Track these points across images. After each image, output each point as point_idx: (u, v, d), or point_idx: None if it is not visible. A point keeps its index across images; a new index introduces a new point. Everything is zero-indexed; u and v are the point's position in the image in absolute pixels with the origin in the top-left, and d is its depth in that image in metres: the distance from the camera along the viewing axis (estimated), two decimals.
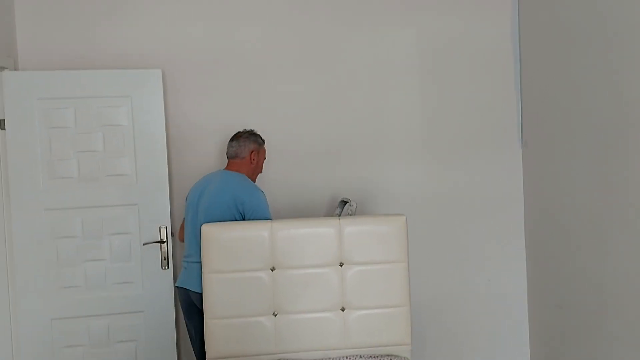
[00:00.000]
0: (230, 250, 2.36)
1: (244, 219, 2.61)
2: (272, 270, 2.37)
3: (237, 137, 2.81)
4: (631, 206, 2.37)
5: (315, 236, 2.41)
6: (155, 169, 2.97)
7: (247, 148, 2.77)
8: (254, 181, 2.80)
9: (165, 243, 2.95)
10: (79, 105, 2.92)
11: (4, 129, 2.86)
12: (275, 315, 2.37)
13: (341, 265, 2.40)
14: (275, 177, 3.13)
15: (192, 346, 2.81)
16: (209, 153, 3.16)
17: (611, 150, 2.49)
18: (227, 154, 2.82)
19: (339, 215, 2.86)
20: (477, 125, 3.34)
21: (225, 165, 2.82)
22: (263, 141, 2.86)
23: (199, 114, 3.17)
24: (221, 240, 2.36)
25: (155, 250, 2.97)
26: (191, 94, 3.16)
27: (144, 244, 2.95)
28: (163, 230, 2.95)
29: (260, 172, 2.88)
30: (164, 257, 2.96)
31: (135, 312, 2.97)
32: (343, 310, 2.39)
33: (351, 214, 2.77)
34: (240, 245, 2.37)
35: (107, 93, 2.94)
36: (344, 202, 2.90)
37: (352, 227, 2.41)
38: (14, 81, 2.87)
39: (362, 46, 3.26)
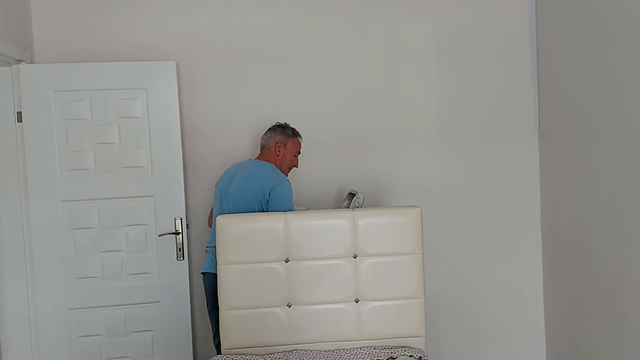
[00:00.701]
0: (245, 242, 2.37)
1: (267, 206, 2.64)
2: (287, 262, 2.38)
3: (269, 128, 2.86)
4: None
5: (330, 228, 2.41)
6: (170, 161, 2.99)
7: (272, 139, 2.82)
8: (286, 174, 2.81)
9: (181, 234, 2.97)
10: (95, 98, 2.94)
11: (21, 121, 2.89)
12: (290, 307, 2.38)
13: (355, 257, 2.39)
14: None
15: (216, 333, 2.75)
16: (223, 144, 3.17)
17: (629, 141, 2.45)
18: (260, 144, 2.88)
19: (347, 208, 2.86)
20: (494, 116, 3.30)
21: (257, 155, 2.86)
22: (294, 134, 2.86)
23: (213, 105, 3.18)
24: (236, 231, 2.37)
25: (171, 241, 2.99)
26: (205, 86, 3.17)
27: (159, 235, 2.98)
28: (178, 222, 2.97)
29: (295, 165, 2.89)
30: (179, 249, 2.98)
31: (152, 303, 3.00)
32: (357, 301, 2.39)
33: (358, 207, 2.76)
34: (254, 237, 2.38)
35: (122, 85, 2.95)
36: (352, 194, 2.89)
37: (366, 219, 2.40)
38: (30, 74, 2.89)
39: (378, 36, 3.24)
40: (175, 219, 2.98)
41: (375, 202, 3.20)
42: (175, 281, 3.01)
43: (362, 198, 2.82)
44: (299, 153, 2.90)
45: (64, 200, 2.94)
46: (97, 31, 3.09)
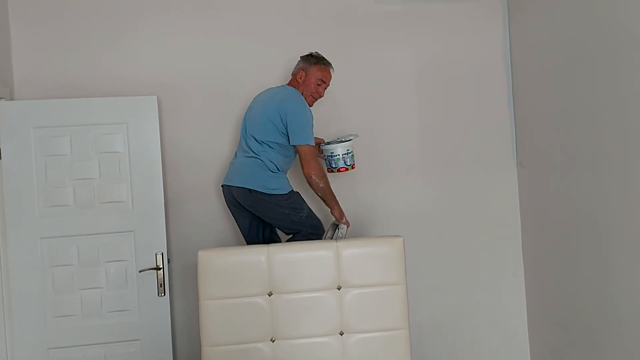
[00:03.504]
0: (227, 276, 2.35)
1: (287, 133, 2.71)
2: (270, 295, 2.35)
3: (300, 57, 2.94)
4: (629, 222, 2.37)
5: (313, 260, 2.40)
6: (151, 195, 2.96)
7: (297, 67, 2.91)
8: (310, 104, 2.84)
9: (162, 270, 2.93)
10: (75, 133, 2.93)
11: (0, 158, 2.86)
12: (274, 341, 2.34)
13: (339, 289, 2.38)
14: None
15: (246, 242, 2.93)
16: (205, 178, 3.16)
17: (606, 167, 2.50)
18: None
19: (330, 239, 2.86)
20: (473, 146, 3.36)
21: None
22: (318, 61, 2.87)
23: (195, 139, 3.18)
24: (218, 265, 2.35)
25: (152, 277, 2.95)
26: (187, 119, 3.17)
27: (140, 271, 2.93)
28: (159, 257, 2.94)
29: (320, 95, 2.90)
30: (160, 284, 2.93)
31: (132, 341, 2.93)
32: (342, 334, 2.37)
33: (342, 237, 2.77)
34: (237, 271, 2.36)
35: (103, 120, 2.95)
36: (335, 225, 2.89)
37: (349, 250, 2.40)
38: (10, 111, 2.88)
39: (359, 68, 3.29)
40: (156, 254, 2.94)
41: (357, 233, 3.20)
42: (157, 318, 2.95)
43: (345, 229, 2.83)
44: (324, 82, 2.89)
45: (42, 237, 2.89)
46: (77, 66, 3.10)
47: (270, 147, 2.74)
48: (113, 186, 2.95)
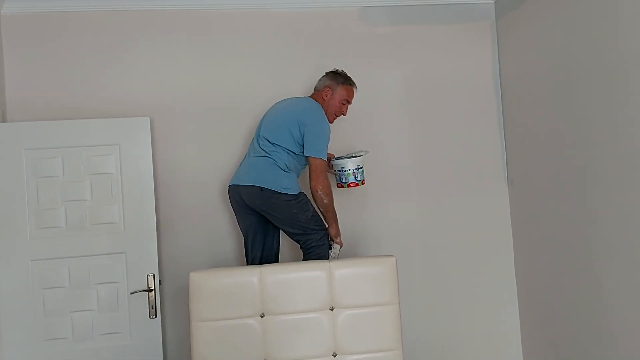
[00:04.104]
0: (219, 297, 2.33)
1: (302, 144, 2.72)
2: (262, 317, 2.34)
3: (325, 73, 2.96)
4: (620, 239, 2.38)
5: (305, 280, 2.39)
6: (143, 216, 2.96)
7: (323, 83, 2.93)
8: (331, 121, 2.86)
9: (153, 291, 2.91)
10: (67, 155, 2.93)
11: None
12: None
13: (332, 310, 2.37)
14: None
15: (245, 247, 2.90)
16: (197, 199, 3.16)
17: (595, 185, 2.52)
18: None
19: None
20: (464, 164, 3.38)
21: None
22: (345, 82, 2.90)
23: (187, 160, 3.18)
24: (210, 287, 2.34)
25: (143, 299, 2.93)
26: (180, 141, 3.18)
27: (131, 293, 2.91)
28: (151, 279, 2.92)
29: (343, 113, 2.93)
30: (152, 306, 2.91)
31: None
32: (335, 355, 2.35)
33: (334, 257, 2.77)
34: (229, 292, 2.34)
35: (95, 142, 2.95)
36: (328, 245, 2.89)
37: (341, 270, 2.39)
38: (2, 133, 2.88)
39: None
40: (147, 276, 2.92)
41: (350, 253, 3.19)
42: (148, 340, 2.92)
43: (338, 249, 2.82)
44: (348, 102, 2.92)
45: (33, 259, 2.87)
46: (70, 88, 3.11)
47: (282, 149, 2.74)
48: (105, 208, 2.94)
